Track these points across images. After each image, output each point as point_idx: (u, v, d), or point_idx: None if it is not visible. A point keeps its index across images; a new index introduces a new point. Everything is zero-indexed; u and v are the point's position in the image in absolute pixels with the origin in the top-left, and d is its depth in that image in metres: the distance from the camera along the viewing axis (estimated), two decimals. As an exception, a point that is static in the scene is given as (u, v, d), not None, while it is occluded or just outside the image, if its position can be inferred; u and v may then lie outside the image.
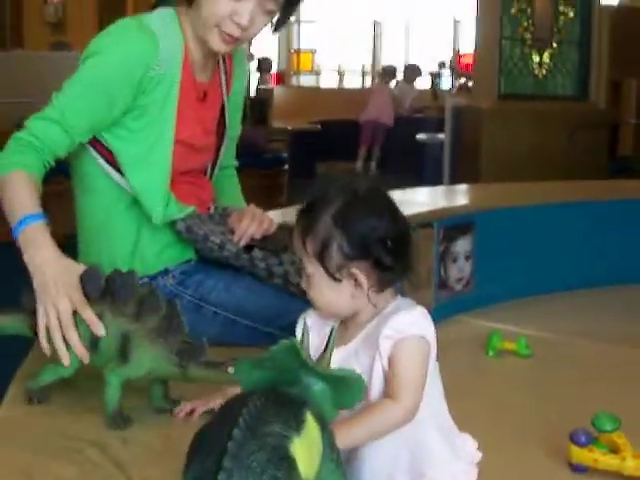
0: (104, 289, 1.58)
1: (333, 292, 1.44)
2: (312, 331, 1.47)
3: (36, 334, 1.61)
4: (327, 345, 1.17)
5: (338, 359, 1.29)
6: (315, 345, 1.34)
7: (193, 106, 1.98)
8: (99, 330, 1.54)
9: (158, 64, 1.88)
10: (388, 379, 1.39)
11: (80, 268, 1.62)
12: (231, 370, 1.45)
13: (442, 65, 15.12)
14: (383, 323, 1.41)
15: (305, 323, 1.27)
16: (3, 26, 12.37)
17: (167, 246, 1.97)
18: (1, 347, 2.17)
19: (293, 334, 1.48)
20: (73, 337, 1.55)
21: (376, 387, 1.42)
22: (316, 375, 1.14)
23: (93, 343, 1.56)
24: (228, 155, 2.23)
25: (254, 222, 1.96)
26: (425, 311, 1.44)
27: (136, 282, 1.57)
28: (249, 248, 1.95)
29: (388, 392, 1.38)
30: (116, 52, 1.86)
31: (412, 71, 12.90)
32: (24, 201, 1.70)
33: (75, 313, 1.56)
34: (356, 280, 1.43)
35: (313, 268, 1.44)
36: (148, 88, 1.89)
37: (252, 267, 1.94)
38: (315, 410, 1.11)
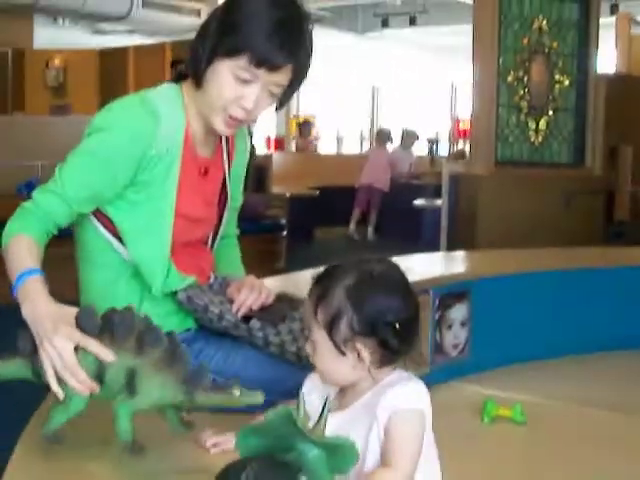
0: (102, 326, 1.62)
1: (335, 361, 1.49)
2: (315, 392, 1.55)
3: (39, 377, 1.65)
4: (322, 413, 1.22)
5: (335, 424, 1.33)
6: (316, 406, 1.38)
7: (194, 181, 2.03)
8: (108, 356, 1.58)
9: (159, 141, 1.93)
10: (384, 449, 1.42)
11: (74, 310, 1.65)
12: (236, 392, 1.48)
13: (438, 133, 15.24)
14: (381, 394, 1.46)
15: (301, 391, 1.31)
16: (5, 90, 12.55)
17: (168, 315, 2.02)
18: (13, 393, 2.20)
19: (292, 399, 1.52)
20: (80, 374, 1.58)
21: (371, 455, 1.45)
22: (311, 442, 1.18)
23: (98, 377, 1.60)
24: (230, 225, 2.28)
25: (253, 293, 2.01)
26: (422, 385, 1.50)
27: (134, 317, 1.61)
28: (247, 318, 1.99)
29: (384, 461, 1.42)
30: (118, 130, 1.91)
31: (409, 136, 12.95)
32: (22, 259, 1.76)
33: (77, 351, 1.59)
34: (359, 355, 1.48)
35: (320, 336, 1.49)
36: (149, 165, 1.94)
37: (250, 337, 1.99)
38: (310, 476, 1.15)
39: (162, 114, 1.94)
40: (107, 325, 1.61)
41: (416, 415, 1.44)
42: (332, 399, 1.52)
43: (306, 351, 1.51)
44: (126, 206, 1.96)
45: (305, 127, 14.06)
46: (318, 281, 1.51)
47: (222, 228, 2.19)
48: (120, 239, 1.97)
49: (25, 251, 1.78)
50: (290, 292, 2.14)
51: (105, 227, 1.97)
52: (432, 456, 1.54)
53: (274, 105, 2.01)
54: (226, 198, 2.17)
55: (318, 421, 1.21)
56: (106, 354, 1.58)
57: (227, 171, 2.15)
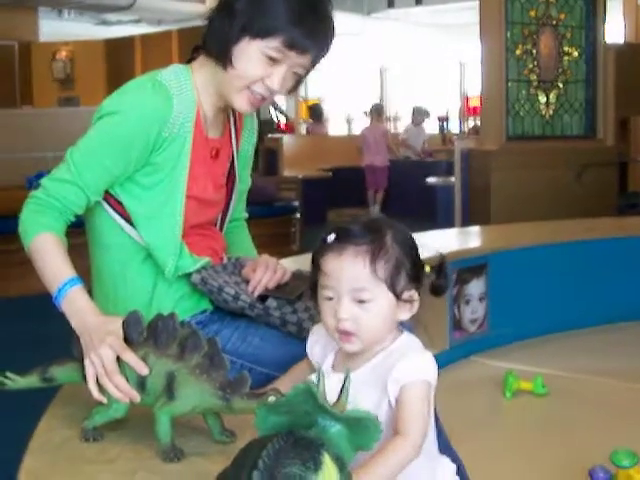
0: (147, 332, 1.65)
1: (389, 317, 1.51)
2: (318, 346, 1.62)
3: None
4: (343, 387, 1.20)
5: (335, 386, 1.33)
6: (319, 359, 1.59)
7: (205, 163, 2.02)
8: (143, 370, 1.62)
9: (172, 123, 1.91)
10: (398, 418, 1.44)
11: (119, 318, 1.69)
12: (272, 399, 1.48)
13: (448, 111, 15.17)
14: (392, 360, 1.48)
15: (321, 369, 1.30)
16: (12, 84, 12.57)
17: (183, 298, 2.00)
18: (20, 401, 2.22)
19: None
20: (120, 381, 1.63)
21: (383, 423, 1.46)
22: (332, 417, 1.16)
23: (141, 384, 1.63)
24: (238, 208, 2.26)
25: (268, 272, 1.99)
26: (430, 355, 1.51)
27: (177, 324, 1.63)
28: (263, 298, 1.98)
29: (397, 430, 1.43)
30: (132, 112, 1.88)
31: (419, 114, 12.91)
32: (58, 266, 1.78)
33: (119, 359, 1.63)
34: (411, 303, 1.54)
35: (377, 292, 1.50)
36: (162, 146, 1.92)
37: (267, 317, 1.97)
38: (333, 451, 1.14)
39: (174, 95, 1.92)
40: (152, 332, 1.65)
41: (425, 386, 1.46)
42: (334, 359, 1.56)
43: (344, 315, 1.48)
44: (137, 189, 1.94)
45: (316, 110, 14.00)
46: (361, 240, 1.50)
47: (231, 210, 2.18)
48: (131, 222, 1.95)
49: (58, 256, 1.79)
50: (306, 270, 2.12)
51: (116, 211, 1.96)
52: (431, 425, 1.56)
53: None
54: (234, 179, 2.15)
55: (340, 396, 1.19)
56: (141, 367, 1.62)
57: (235, 151, 2.13)
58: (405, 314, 1.54)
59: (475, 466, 2.09)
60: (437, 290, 1.60)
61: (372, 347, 1.51)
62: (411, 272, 1.52)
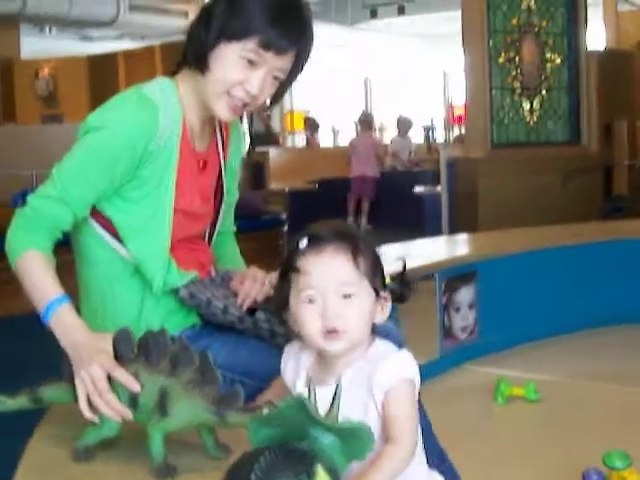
0: (138, 349, 1.64)
1: (368, 316, 1.50)
2: (290, 364, 1.59)
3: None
4: (334, 398, 1.20)
5: (327, 399, 1.31)
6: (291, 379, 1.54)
7: (192, 175, 2.01)
8: (134, 387, 1.60)
9: (158, 136, 1.90)
10: (385, 424, 1.43)
11: (109, 335, 1.68)
12: (266, 412, 1.47)
13: (433, 120, 15.23)
14: (371, 368, 1.46)
15: (312, 380, 1.29)
16: (-5, 101, 12.50)
17: (171, 312, 1.99)
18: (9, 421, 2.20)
19: None
20: (112, 400, 1.61)
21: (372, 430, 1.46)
22: (325, 429, 1.16)
23: (133, 401, 1.62)
24: (227, 221, 2.25)
25: (256, 284, 1.98)
26: (409, 353, 1.51)
27: (167, 340, 1.62)
28: (252, 310, 1.97)
29: (388, 436, 1.42)
30: (117, 126, 1.87)
31: (404, 124, 12.92)
32: (46, 285, 1.77)
33: (110, 377, 1.62)
34: (384, 306, 1.54)
35: (361, 287, 1.49)
36: (149, 160, 1.90)
37: (256, 329, 1.96)
38: (326, 463, 1.13)
39: (160, 108, 1.91)
40: (142, 348, 1.63)
41: (410, 385, 1.46)
42: (306, 377, 1.52)
43: (333, 311, 1.47)
44: (124, 204, 1.93)
45: (311, 124, 14.01)
46: (339, 238, 1.50)
47: (219, 223, 2.17)
48: (117, 238, 1.94)
49: (45, 273, 1.78)
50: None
51: (102, 227, 1.95)
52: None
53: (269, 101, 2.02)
54: (222, 192, 2.15)
55: (331, 407, 1.19)
56: (133, 385, 1.60)
57: (223, 163, 2.13)
58: (379, 316, 1.53)
59: (469, 473, 2.10)
60: (400, 298, 1.58)
61: (350, 353, 1.49)
62: (382, 275, 1.54)
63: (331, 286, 1.46)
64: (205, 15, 1.93)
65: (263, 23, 1.86)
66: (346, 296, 1.47)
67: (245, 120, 12.51)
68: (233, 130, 2.19)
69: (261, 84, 1.91)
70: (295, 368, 1.57)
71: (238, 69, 1.89)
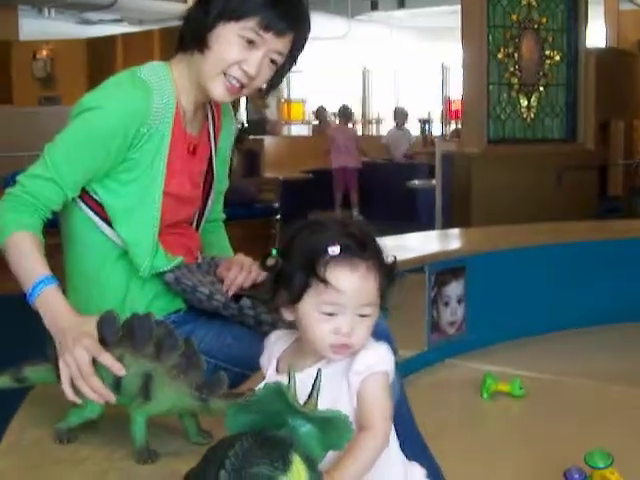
0: (123, 332, 1.63)
1: (372, 326, 1.51)
2: (267, 353, 1.60)
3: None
4: (313, 387, 1.20)
5: (299, 384, 1.32)
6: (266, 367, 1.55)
7: (182, 159, 2.01)
8: (119, 371, 1.60)
9: (151, 118, 1.90)
10: (360, 413, 1.44)
11: (94, 318, 1.67)
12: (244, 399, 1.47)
13: (430, 114, 15.23)
14: (351, 357, 1.48)
15: (292, 369, 1.28)
16: (-8, 83, 12.45)
17: (156, 297, 1.99)
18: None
19: None
20: (95, 383, 1.61)
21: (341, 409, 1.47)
22: (303, 417, 1.16)
23: (116, 384, 1.61)
24: (216, 209, 2.25)
25: (242, 271, 1.98)
26: (387, 346, 1.52)
27: (152, 323, 1.62)
28: (238, 297, 1.96)
29: (362, 424, 1.43)
30: (111, 107, 1.87)
31: (401, 115, 12.97)
32: (33, 266, 1.76)
33: (95, 360, 1.61)
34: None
35: (375, 307, 1.50)
36: (141, 142, 1.90)
37: (241, 316, 1.96)
38: (302, 451, 1.13)
39: (153, 90, 1.91)
40: (127, 331, 1.63)
41: (385, 377, 1.48)
42: (277, 364, 1.54)
43: (348, 330, 1.46)
44: (115, 185, 1.92)
45: (321, 114, 14.00)
46: (372, 254, 1.49)
47: (208, 209, 2.17)
48: (106, 220, 1.94)
49: (33, 254, 1.77)
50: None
51: (91, 208, 1.94)
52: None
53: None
54: (212, 178, 2.14)
55: (310, 395, 1.19)
56: (118, 368, 1.60)
57: (214, 149, 2.13)
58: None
59: (451, 467, 2.10)
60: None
61: None
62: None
63: (354, 307, 1.46)
64: (203, 0, 1.93)
65: (263, 4, 1.88)
66: (363, 315, 1.47)
67: (243, 107, 12.57)
68: (225, 117, 2.19)
69: (259, 65, 1.91)
70: (269, 354, 1.59)
71: (237, 48, 1.90)
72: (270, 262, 1.54)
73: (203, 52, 1.92)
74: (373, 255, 1.48)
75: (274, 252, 1.53)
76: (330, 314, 1.45)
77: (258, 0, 1.88)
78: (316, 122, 15.11)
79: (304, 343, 1.52)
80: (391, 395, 1.50)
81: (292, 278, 1.48)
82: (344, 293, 1.44)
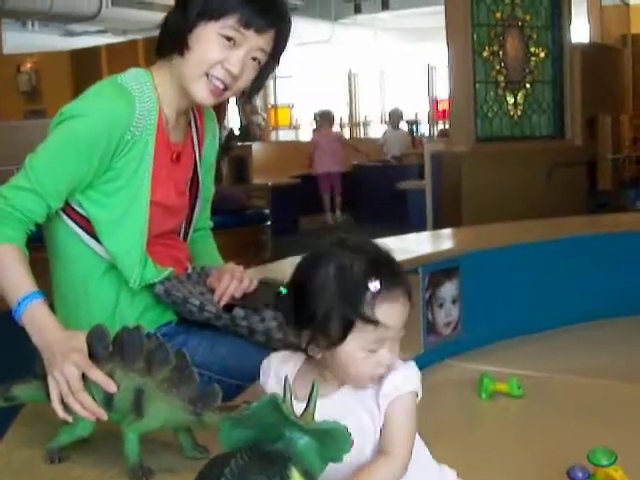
0: (113, 347, 1.60)
1: None
2: (272, 375, 1.54)
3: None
4: (309, 399, 1.16)
5: (326, 409, 1.28)
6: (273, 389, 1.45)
7: (167, 167, 1.98)
8: (110, 387, 1.56)
9: (134, 125, 1.87)
10: (385, 434, 1.42)
11: (83, 333, 1.64)
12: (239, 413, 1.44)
13: (417, 114, 15.29)
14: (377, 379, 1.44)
15: (287, 378, 1.25)
16: (-24, 97, 12.38)
17: (147, 309, 1.96)
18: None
19: None
20: (86, 400, 1.58)
21: (368, 437, 1.43)
22: (300, 429, 1.13)
23: (108, 401, 1.58)
24: (203, 217, 2.22)
25: (233, 281, 1.95)
26: (414, 365, 1.49)
27: (143, 337, 1.58)
28: (230, 307, 1.93)
29: (382, 447, 1.41)
30: (93, 115, 1.84)
31: (396, 116, 13.07)
32: (18, 280, 1.72)
33: (85, 376, 1.58)
34: None
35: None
36: (124, 150, 1.87)
37: (234, 327, 1.92)
38: (301, 465, 1.10)
39: (135, 96, 1.89)
40: (117, 346, 1.59)
41: (412, 397, 1.45)
42: (301, 385, 1.45)
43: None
44: (100, 196, 1.89)
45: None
46: (404, 281, 1.44)
47: (195, 218, 2.14)
48: (91, 234, 1.90)
49: (18, 268, 1.73)
50: (273, 277, 2.08)
51: (75, 222, 1.90)
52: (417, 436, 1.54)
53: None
54: (197, 186, 2.11)
55: (307, 406, 1.16)
56: (108, 384, 1.57)
57: (198, 157, 2.10)
58: None
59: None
60: None
61: None
62: None
63: (394, 339, 1.43)
64: (181, 1, 1.92)
65: (242, 1, 1.86)
66: (396, 344, 1.44)
67: (234, 113, 12.52)
68: (208, 123, 2.16)
69: (241, 64, 1.89)
70: (276, 379, 1.52)
71: (218, 48, 1.88)
72: (283, 301, 1.48)
73: (183, 54, 1.90)
74: (405, 280, 1.44)
75: (283, 291, 1.49)
76: (373, 350, 1.41)
77: None
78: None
79: (325, 370, 1.46)
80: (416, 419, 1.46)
81: (328, 322, 1.40)
82: (392, 328, 1.41)
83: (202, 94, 1.92)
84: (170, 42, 1.92)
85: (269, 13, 1.89)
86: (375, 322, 1.38)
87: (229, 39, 1.87)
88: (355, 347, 1.40)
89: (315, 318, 1.41)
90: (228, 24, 1.86)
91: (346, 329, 1.39)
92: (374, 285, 1.38)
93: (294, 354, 1.55)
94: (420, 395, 1.47)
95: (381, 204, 10.82)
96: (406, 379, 1.44)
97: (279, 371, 1.53)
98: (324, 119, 12.07)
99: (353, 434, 1.15)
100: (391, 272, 1.42)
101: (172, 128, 2.00)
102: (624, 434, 2.93)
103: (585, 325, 4.33)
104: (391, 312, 1.40)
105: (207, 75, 1.90)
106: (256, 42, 1.89)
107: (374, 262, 1.41)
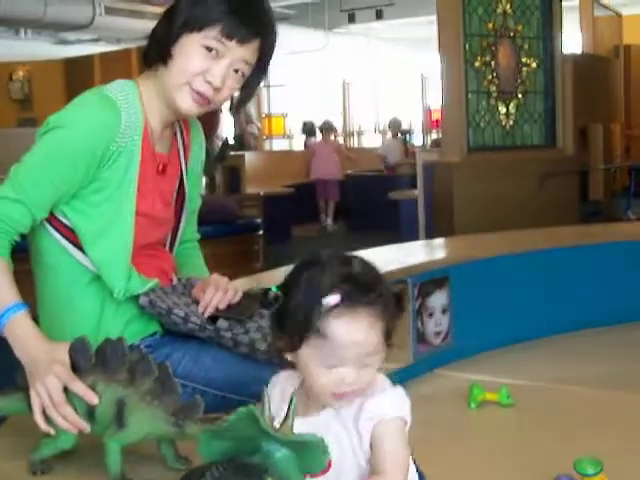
0: (95, 358, 1.60)
1: (376, 370, 1.44)
2: (278, 392, 1.50)
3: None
4: (288, 412, 1.17)
5: (308, 428, 1.27)
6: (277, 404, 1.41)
7: (152, 178, 1.98)
8: (92, 399, 1.57)
9: (120, 136, 1.87)
10: (374, 459, 1.40)
11: (65, 345, 1.64)
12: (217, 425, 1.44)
13: (411, 124, 15.38)
14: (359, 401, 1.42)
15: (266, 390, 1.24)
16: (-32, 105, 12.38)
17: (131, 320, 1.95)
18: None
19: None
20: (68, 412, 1.58)
21: (348, 459, 1.42)
22: (277, 441, 1.13)
23: (90, 413, 1.58)
24: (189, 229, 2.22)
25: (218, 292, 1.95)
26: (401, 390, 1.46)
27: (126, 349, 1.59)
28: (214, 318, 1.93)
29: (374, 469, 1.39)
30: (79, 125, 1.84)
31: (396, 125, 13.26)
32: (1, 292, 1.72)
33: (67, 388, 1.58)
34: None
35: (379, 355, 1.42)
36: (110, 160, 1.87)
37: (218, 338, 1.92)
38: (278, 476, 1.10)
39: (122, 108, 1.89)
40: (100, 357, 1.60)
41: (398, 423, 1.42)
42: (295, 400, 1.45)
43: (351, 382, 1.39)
44: (85, 208, 1.88)
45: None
46: (368, 298, 1.38)
47: (181, 229, 2.13)
48: (76, 244, 1.90)
49: (2, 279, 1.73)
50: (260, 288, 2.08)
51: (60, 232, 1.90)
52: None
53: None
54: (184, 197, 2.11)
55: (285, 419, 1.16)
56: (90, 397, 1.57)
57: (184, 167, 2.09)
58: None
59: (440, 478, 2.06)
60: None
61: None
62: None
63: (358, 358, 1.38)
64: (168, 12, 1.93)
65: (224, 12, 1.86)
66: (365, 365, 1.40)
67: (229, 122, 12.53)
68: (194, 134, 2.16)
69: (223, 75, 1.89)
70: (282, 393, 1.50)
71: (200, 58, 1.88)
72: (271, 296, 1.48)
73: (167, 64, 1.90)
74: (377, 298, 1.38)
75: (274, 289, 1.48)
76: (329, 367, 1.38)
77: (220, 8, 1.86)
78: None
79: (310, 389, 1.44)
80: (407, 442, 1.44)
81: (291, 325, 1.39)
82: (346, 347, 1.36)
83: (186, 104, 1.93)
84: (156, 52, 1.92)
85: (252, 23, 1.89)
86: (324, 335, 1.36)
87: (211, 50, 1.87)
88: (310, 358, 1.38)
89: (285, 322, 1.41)
90: (210, 35, 1.86)
91: (300, 337, 1.38)
92: (332, 299, 1.36)
93: (295, 373, 1.51)
94: (409, 423, 1.44)
95: (373, 214, 10.83)
96: (390, 404, 1.42)
97: (285, 386, 1.52)
98: (326, 129, 12.55)
99: (332, 454, 1.15)
100: (360, 290, 1.37)
101: (157, 139, 2.00)
102: (611, 443, 2.94)
103: (575, 334, 4.33)
104: (346, 331, 1.36)
105: (189, 85, 1.90)
106: (239, 53, 1.89)
107: (343, 277, 1.38)
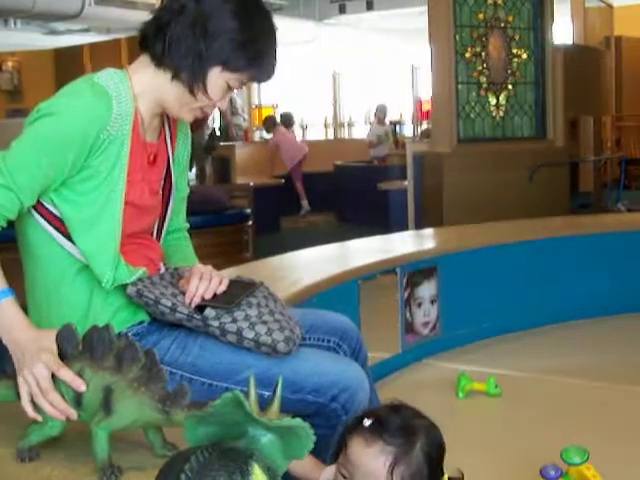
0: (82, 346, 1.60)
1: None
2: None
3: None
4: (273, 396, 1.17)
5: None
6: None
7: (142, 167, 1.97)
8: (80, 386, 1.57)
9: (111, 125, 1.86)
10: None
11: (52, 332, 1.64)
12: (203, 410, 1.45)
13: (402, 115, 15.38)
14: None
15: (252, 377, 1.25)
16: (-42, 96, 12.34)
17: (119, 309, 1.95)
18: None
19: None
20: (56, 399, 1.58)
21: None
22: (263, 426, 1.13)
23: (77, 400, 1.58)
24: (178, 219, 2.22)
25: (202, 282, 1.94)
26: None
27: (113, 335, 1.59)
28: (201, 308, 1.93)
29: None
30: (70, 112, 1.82)
31: (381, 111, 13.25)
32: None
33: (54, 375, 1.58)
34: None
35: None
36: (100, 149, 1.86)
37: (205, 327, 1.91)
38: (263, 462, 1.10)
39: (113, 96, 1.88)
40: (87, 344, 1.59)
41: None
42: None
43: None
44: (74, 195, 1.87)
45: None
46: (392, 436, 1.55)
47: (168, 218, 2.13)
48: (64, 233, 1.89)
49: None
50: (245, 276, 2.08)
51: (48, 221, 1.89)
52: None
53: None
54: (171, 186, 2.11)
55: (271, 403, 1.16)
56: (78, 384, 1.57)
57: (171, 156, 2.09)
58: None
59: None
60: None
61: None
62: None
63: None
64: (198, 25, 1.90)
65: (256, 61, 1.94)
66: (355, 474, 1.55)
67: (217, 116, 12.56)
68: (180, 124, 2.16)
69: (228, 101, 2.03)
70: None
71: (222, 93, 1.97)
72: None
73: (194, 91, 1.94)
74: (400, 445, 1.54)
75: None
76: (344, 476, 1.55)
77: (254, 57, 1.93)
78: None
79: None
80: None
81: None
82: (350, 461, 1.54)
83: (187, 119, 2.03)
84: (186, 72, 1.92)
85: (273, 70, 1.99)
86: (343, 441, 1.60)
87: (230, 87, 1.97)
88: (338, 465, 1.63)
89: None
90: (242, 78, 1.96)
91: (340, 444, 1.64)
92: (366, 421, 1.56)
93: None
94: None
95: (363, 205, 10.84)
96: None
97: None
98: (286, 120, 12.94)
99: None
100: (387, 428, 1.56)
101: (147, 128, 2.00)
102: (598, 432, 2.96)
103: (563, 325, 4.36)
104: (355, 447, 1.55)
105: (200, 108, 2.00)
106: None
107: (389, 414, 1.61)
